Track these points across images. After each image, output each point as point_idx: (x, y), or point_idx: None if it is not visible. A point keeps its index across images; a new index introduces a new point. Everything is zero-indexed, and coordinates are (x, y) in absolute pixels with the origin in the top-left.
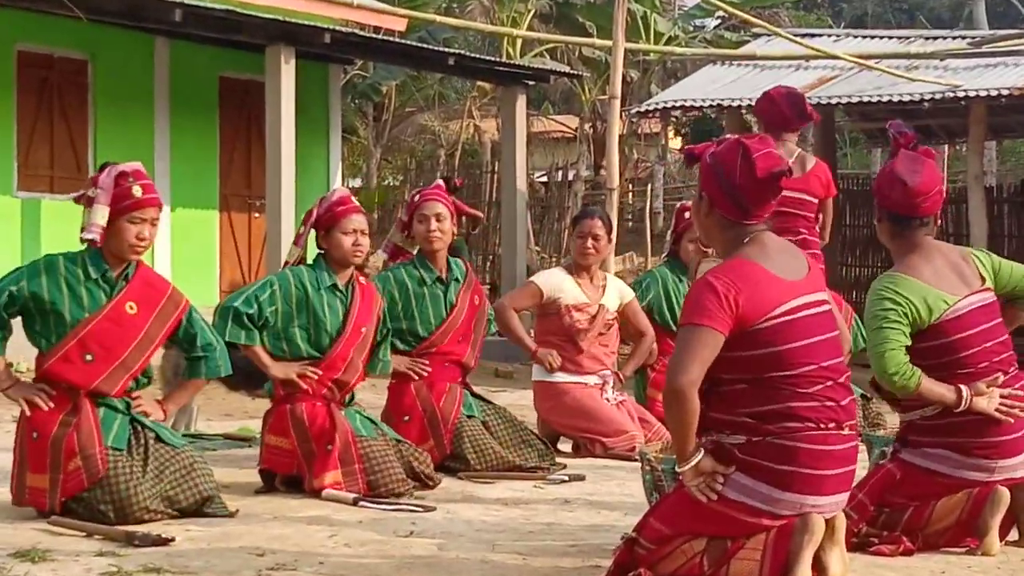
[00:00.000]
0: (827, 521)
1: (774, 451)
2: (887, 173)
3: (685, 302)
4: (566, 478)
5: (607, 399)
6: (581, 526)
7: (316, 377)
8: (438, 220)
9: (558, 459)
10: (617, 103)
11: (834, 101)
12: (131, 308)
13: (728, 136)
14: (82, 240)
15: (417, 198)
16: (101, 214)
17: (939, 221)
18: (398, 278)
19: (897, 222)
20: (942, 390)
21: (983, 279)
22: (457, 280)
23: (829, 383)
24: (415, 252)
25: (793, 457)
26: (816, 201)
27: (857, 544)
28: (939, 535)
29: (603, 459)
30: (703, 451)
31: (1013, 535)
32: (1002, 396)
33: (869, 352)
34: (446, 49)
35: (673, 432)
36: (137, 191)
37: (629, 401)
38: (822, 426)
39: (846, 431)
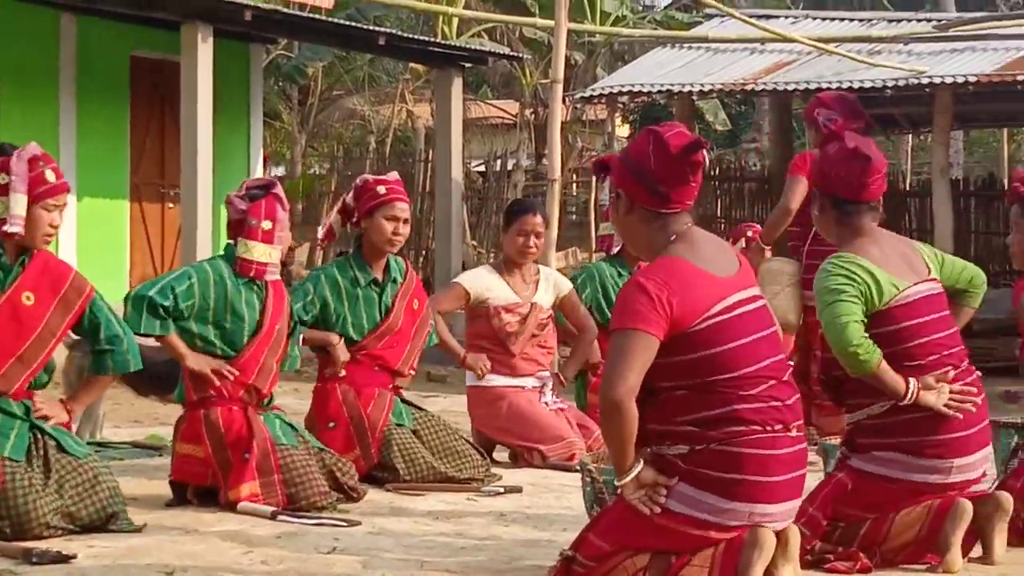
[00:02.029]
0: (779, 536)
1: (719, 459)
2: (834, 156)
3: (616, 306)
4: (502, 490)
5: (545, 403)
6: (517, 541)
7: (232, 377)
8: (404, 224)
9: (494, 469)
10: (559, 88)
11: (791, 87)
12: (28, 298)
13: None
14: (5, 235)
15: (383, 190)
16: (20, 203)
17: (904, 214)
18: (330, 278)
19: (843, 207)
20: (896, 377)
21: (929, 269)
22: (395, 281)
23: (772, 382)
24: (352, 248)
25: (739, 464)
26: None
27: (811, 562)
28: (898, 551)
29: (542, 469)
30: (643, 462)
31: (977, 551)
32: (952, 391)
33: (825, 327)
34: (376, 28)
35: (611, 444)
36: (50, 176)
37: (569, 407)
38: (768, 429)
39: (794, 433)
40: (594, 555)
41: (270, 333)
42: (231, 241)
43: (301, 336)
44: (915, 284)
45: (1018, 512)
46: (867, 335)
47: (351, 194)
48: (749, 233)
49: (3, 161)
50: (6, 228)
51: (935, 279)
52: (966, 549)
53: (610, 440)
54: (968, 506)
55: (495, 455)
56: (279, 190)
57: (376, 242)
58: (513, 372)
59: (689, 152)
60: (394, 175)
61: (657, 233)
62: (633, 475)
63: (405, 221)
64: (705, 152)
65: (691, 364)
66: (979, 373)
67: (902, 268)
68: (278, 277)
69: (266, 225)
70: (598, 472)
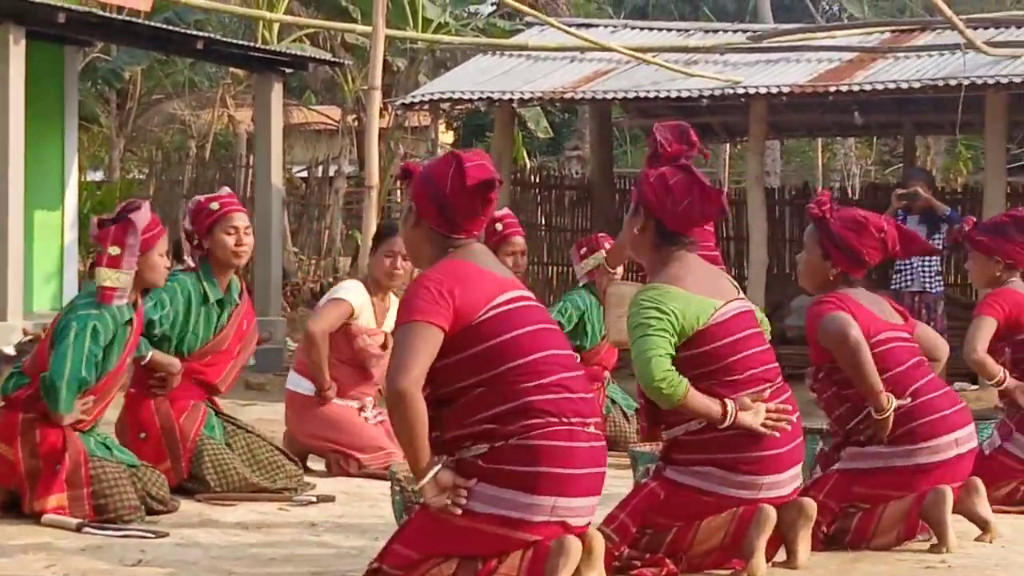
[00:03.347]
0: (584, 542)
1: (517, 454)
2: (675, 185)
3: (399, 306)
4: (314, 499)
5: (365, 418)
6: (327, 552)
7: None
8: (246, 234)
9: (308, 479)
10: (377, 94)
11: (610, 96)
12: None
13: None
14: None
15: (216, 206)
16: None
17: (721, 223)
18: (184, 292)
19: (667, 236)
20: (708, 403)
21: (736, 290)
22: (233, 302)
23: (563, 373)
24: (200, 264)
25: (538, 457)
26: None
27: (619, 568)
28: (704, 556)
29: (356, 478)
30: (441, 464)
31: (781, 556)
32: (768, 409)
33: (634, 360)
34: (195, 32)
35: (403, 442)
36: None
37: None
38: (564, 420)
39: (591, 429)
40: (400, 564)
41: (122, 366)
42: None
43: (149, 355)
44: (728, 303)
45: (819, 523)
46: (673, 367)
47: (187, 220)
48: (607, 246)
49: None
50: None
51: (742, 298)
52: (770, 554)
53: (401, 434)
54: (772, 512)
55: (310, 464)
56: (137, 215)
57: (221, 257)
58: (348, 395)
59: (485, 189)
60: (226, 190)
61: (439, 251)
62: (430, 476)
63: (247, 231)
64: (497, 191)
65: (481, 356)
66: (789, 393)
67: (713, 288)
68: (124, 301)
69: (113, 251)
70: (407, 481)
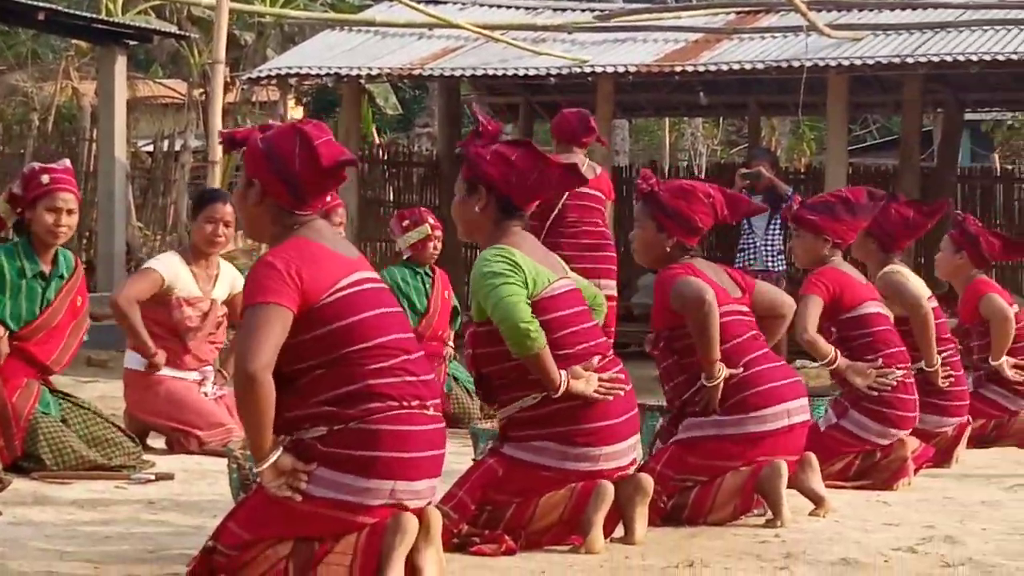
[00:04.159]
0: (421, 519)
1: (356, 438)
2: (520, 162)
3: (246, 284)
4: (152, 477)
5: (204, 393)
6: (164, 530)
7: None
8: (68, 215)
9: (148, 456)
10: (221, 68)
11: (458, 73)
12: None
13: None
14: None
15: (46, 179)
16: None
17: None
18: None
19: (509, 211)
20: (553, 364)
21: (565, 270)
22: (61, 276)
23: (404, 356)
24: (21, 236)
25: (377, 441)
26: (605, 199)
27: (458, 545)
28: (542, 533)
29: (197, 455)
30: (282, 448)
31: (620, 532)
32: (601, 379)
33: (494, 307)
34: (36, 3)
35: (249, 425)
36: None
37: (229, 396)
38: (404, 404)
39: (431, 411)
40: (235, 543)
41: None
42: None
43: None
44: (560, 278)
45: (659, 493)
46: None
47: (19, 182)
48: (431, 220)
49: None
50: None
51: (570, 277)
52: (608, 530)
53: (247, 418)
54: (610, 488)
55: (150, 442)
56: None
57: (38, 233)
58: (180, 366)
59: (340, 167)
60: (64, 163)
61: (284, 227)
62: (271, 461)
63: (69, 212)
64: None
65: (324, 339)
66: (621, 365)
67: (547, 263)
68: None
69: None
70: (244, 458)
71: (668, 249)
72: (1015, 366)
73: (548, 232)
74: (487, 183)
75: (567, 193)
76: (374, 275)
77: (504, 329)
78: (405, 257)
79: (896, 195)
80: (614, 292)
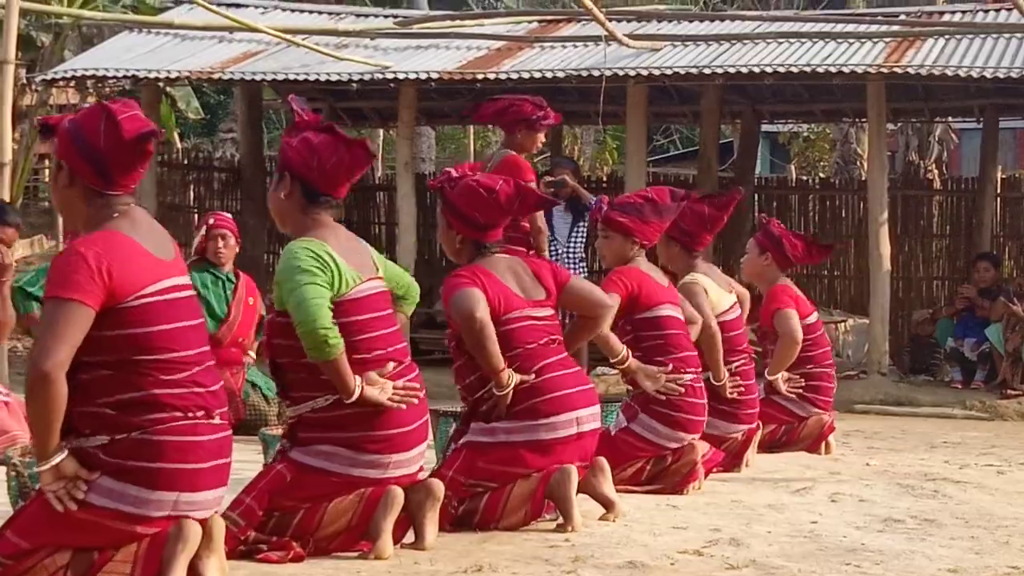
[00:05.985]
0: (204, 528)
1: (140, 448)
2: (320, 146)
3: (50, 272)
4: None
5: None
6: None
7: None
8: None
9: None
10: (11, 68)
11: (258, 77)
12: None
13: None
14: None
15: None
16: None
17: (372, 207)
18: None
19: (315, 198)
20: (350, 371)
21: (376, 268)
22: None
23: (196, 368)
24: None
25: (161, 452)
26: None
27: (245, 552)
28: (331, 539)
29: None
30: (66, 451)
31: (410, 537)
32: (396, 386)
33: (295, 307)
34: None
35: (36, 423)
36: None
37: (15, 401)
38: (190, 415)
39: (217, 420)
40: (11, 553)
41: None
42: None
43: None
44: (367, 280)
45: (449, 499)
46: None
47: None
48: (211, 220)
49: None
50: None
51: (380, 278)
52: (399, 535)
53: (35, 417)
54: (399, 493)
55: None
56: None
57: None
58: None
59: (142, 140)
60: None
61: (98, 210)
62: (54, 463)
63: None
64: (156, 141)
65: (119, 340)
66: (417, 372)
67: (356, 262)
68: None
69: None
70: (23, 465)
71: (458, 245)
72: (788, 380)
73: None
74: (290, 170)
75: None
76: (184, 281)
77: (302, 332)
78: (195, 257)
79: (688, 193)
80: None
